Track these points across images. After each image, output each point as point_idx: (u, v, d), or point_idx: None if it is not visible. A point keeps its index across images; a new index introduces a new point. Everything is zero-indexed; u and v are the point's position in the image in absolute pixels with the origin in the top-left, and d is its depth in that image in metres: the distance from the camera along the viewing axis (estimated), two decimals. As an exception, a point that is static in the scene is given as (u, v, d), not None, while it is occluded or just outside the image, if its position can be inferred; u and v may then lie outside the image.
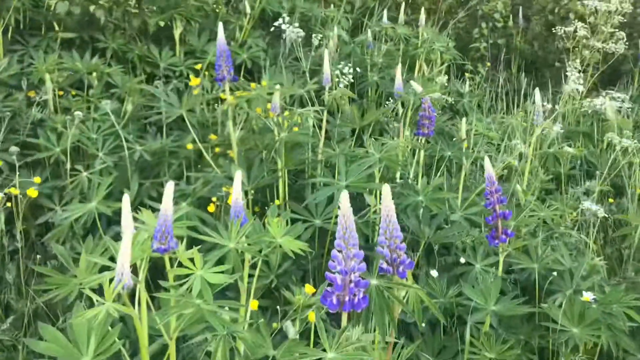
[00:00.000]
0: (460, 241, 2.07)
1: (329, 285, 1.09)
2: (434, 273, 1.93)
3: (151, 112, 2.41)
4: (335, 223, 1.99)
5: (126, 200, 1.32)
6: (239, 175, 1.36)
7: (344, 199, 1.09)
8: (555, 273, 1.99)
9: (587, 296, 1.76)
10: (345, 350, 1.07)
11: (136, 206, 2.10)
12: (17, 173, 1.99)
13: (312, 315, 1.30)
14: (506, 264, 2.01)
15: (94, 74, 2.64)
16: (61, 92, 2.60)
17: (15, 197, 2.01)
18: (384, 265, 1.15)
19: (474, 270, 2.01)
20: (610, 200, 2.71)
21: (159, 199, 2.00)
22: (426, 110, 2.24)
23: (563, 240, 2.28)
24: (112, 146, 2.21)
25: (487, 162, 1.80)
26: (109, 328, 1.19)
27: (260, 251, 1.33)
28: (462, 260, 2.00)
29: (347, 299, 1.07)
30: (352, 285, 1.07)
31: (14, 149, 1.98)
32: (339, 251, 1.07)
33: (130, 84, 2.58)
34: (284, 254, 1.43)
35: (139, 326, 1.18)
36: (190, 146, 2.15)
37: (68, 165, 2.10)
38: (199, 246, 1.28)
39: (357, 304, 1.07)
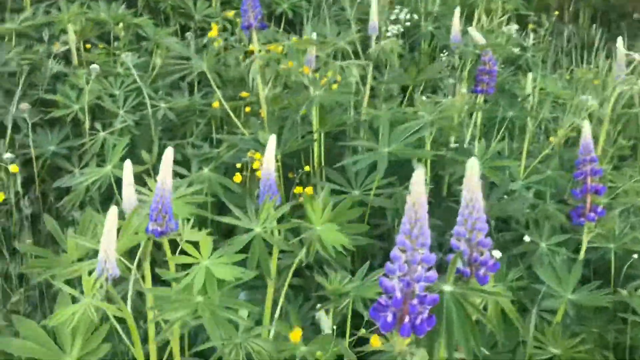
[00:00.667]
0: (522, 215, 1.80)
1: (383, 295, 0.82)
2: (496, 253, 1.67)
3: (181, 66, 2.20)
4: (377, 194, 1.76)
5: (128, 166, 1.12)
6: (272, 141, 1.12)
7: (417, 178, 0.79)
8: (635, 255, 1.69)
9: (679, 289, 1.47)
10: None
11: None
12: (32, 132, 1.84)
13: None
14: (573, 241, 1.74)
15: (121, 24, 2.44)
16: (88, 45, 2.43)
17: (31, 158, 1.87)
18: (460, 266, 0.89)
19: (538, 250, 1.74)
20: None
21: (183, 164, 1.82)
22: (487, 64, 1.94)
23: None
24: (134, 103, 2.02)
25: (586, 126, 1.52)
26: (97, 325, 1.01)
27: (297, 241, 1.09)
28: (527, 238, 1.72)
29: (407, 319, 0.80)
30: (415, 301, 0.80)
31: (25, 105, 1.82)
32: (402, 251, 0.79)
33: (158, 35, 2.37)
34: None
35: (132, 325, 0.99)
36: (216, 104, 1.93)
37: (87, 124, 1.93)
38: (208, 230, 1.07)
39: (419, 327, 0.80)
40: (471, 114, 2.06)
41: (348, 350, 1.05)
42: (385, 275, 0.82)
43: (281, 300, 1.15)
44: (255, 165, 1.50)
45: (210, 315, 0.97)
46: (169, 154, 1.00)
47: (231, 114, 1.87)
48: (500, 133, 2.03)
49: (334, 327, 1.26)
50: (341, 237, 1.13)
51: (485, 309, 1.02)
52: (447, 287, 0.87)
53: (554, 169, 2.01)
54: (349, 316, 1.29)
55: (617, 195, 1.94)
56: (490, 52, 1.96)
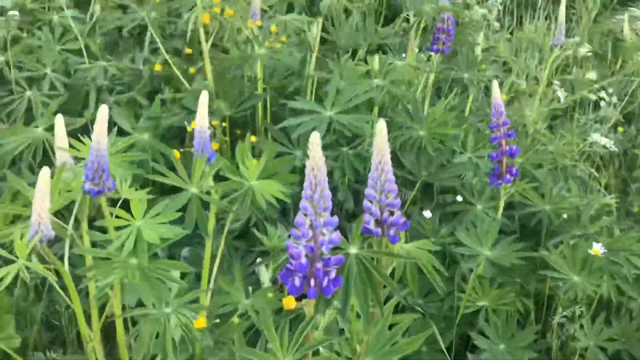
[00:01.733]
0: (461, 184, 1.84)
1: (291, 260, 0.82)
2: (427, 214, 1.72)
3: (123, 18, 2.07)
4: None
5: (60, 121, 1.07)
6: (204, 99, 1.09)
7: (314, 141, 0.81)
8: (565, 215, 1.79)
9: (597, 249, 1.57)
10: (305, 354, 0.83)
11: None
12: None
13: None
14: (506, 204, 1.81)
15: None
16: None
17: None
18: (372, 226, 0.89)
19: (473, 211, 1.80)
20: (620, 129, 2.47)
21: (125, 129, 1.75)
22: (445, 22, 1.93)
23: (569, 174, 2.07)
24: (62, 59, 1.91)
25: (495, 88, 1.54)
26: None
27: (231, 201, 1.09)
28: (459, 197, 1.78)
29: (313, 282, 0.81)
30: (319, 265, 0.82)
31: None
32: (305, 216, 0.80)
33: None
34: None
35: (70, 285, 0.97)
36: (158, 67, 1.85)
37: (13, 82, 1.82)
38: (147, 189, 1.05)
39: (326, 288, 0.82)
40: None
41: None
42: (291, 240, 0.83)
43: (218, 255, 1.15)
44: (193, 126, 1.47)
45: (141, 277, 0.95)
46: (103, 111, 0.96)
47: (176, 70, 1.80)
48: (452, 94, 2.04)
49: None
50: (275, 186, 1.13)
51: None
52: (352, 250, 0.90)
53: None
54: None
55: (548, 155, 2.02)
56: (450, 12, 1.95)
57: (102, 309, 1.15)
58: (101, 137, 0.96)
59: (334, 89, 1.66)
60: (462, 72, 2.04)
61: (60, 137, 1.05)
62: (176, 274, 1.06)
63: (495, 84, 1.54)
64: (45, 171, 0.92)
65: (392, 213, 0.90)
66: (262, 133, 1.81)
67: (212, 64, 1.74)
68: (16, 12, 1.82)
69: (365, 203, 0.90)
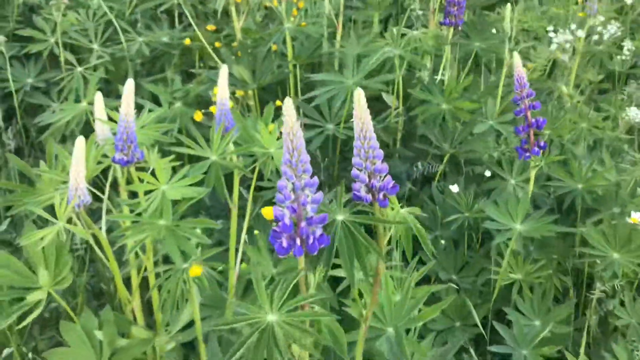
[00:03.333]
0: (488, 155, 1.83)
1: (278, 223, 0.85)
2: (453, 188, 1.72)
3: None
4: (349, 127, 1.79)
5: (99, 99, 1.14)
6: (224, 71, 1.14)
7: (287, 106, 0.83)
8: (600, 191, 1.75)
9: (636, 217, 1.53)
10: (293, 309, 0.84)
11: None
12: (10, 65, 1.84)
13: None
14: (546, 176, 1.79)
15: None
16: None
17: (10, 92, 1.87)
18: (361, 192, 0.91)
19: (507, 186, 1.79)
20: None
21: (156, 100, 1.83)
22: (455, -6, 1.90)
23: (609, 149, 2.01)
24: (107, 35, 2.00)
25: (516, 59, 1.52)
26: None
27: (248, 166, 1.15)
28: (487, 173, 1.77)
29: (298, 241, 0.84)
30: (304, 224, 0.85)
31: (1, 37, 1.81)
32: (287, 180, 0.84)
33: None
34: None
35: (107, 248, 1.05)
36: (188, 41, 1.92)
37: (62, 58, 1.92)
38: (171, 157, 1.11)
39: (311, 245, 0.85)
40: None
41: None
42: (277, 203, 0.86)
43: (245, 224, 1.21)
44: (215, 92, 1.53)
45: (167, 234, 1.01)
46: (130, 85, 1.03)
47: (208, 47, 1.86)
48: (468, 68, 2.02)
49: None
50: None
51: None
52: (339, 216, 0.92)
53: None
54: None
55: (585, 130, 1.98)
56: (459, -18, 1.91)
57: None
58: (128, 110, 1.02)
59: (353, 59, 1.68)
60: (473, 41, 2.01)
61: (99, 112, 1.12)
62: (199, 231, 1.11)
63: (516, 55, 1.52)
64: (80, 140, 0.99)
65: (380, 178, 0.91)
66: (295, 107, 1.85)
67: (242, 38, 1.79)
68: None
69: (353, 171, 0.92)
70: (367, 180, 0.91)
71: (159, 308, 1.18)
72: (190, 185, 1.04)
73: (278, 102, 1.60)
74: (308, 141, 1.71)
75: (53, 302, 1.43)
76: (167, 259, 1.27)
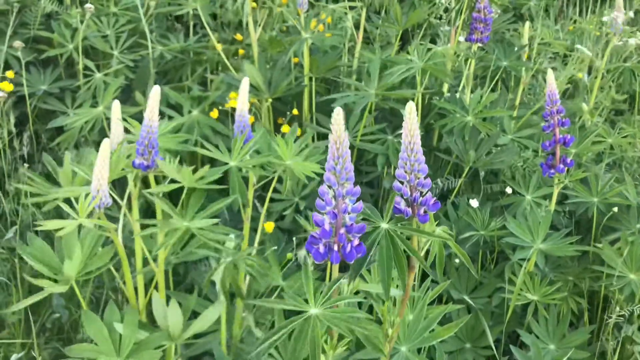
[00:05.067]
0: (509, 168, 1.82)
1: (317, 229, 0.86)
2: (473, 203, 1.70)
3: (174, 6, 2.16)
4: (362, 140, 1.78)
5: (116, 105, 1.14)
6: (245, 83, 1.14)
7: (337, 116, 0.83)
8: (616, 209, 1.72)
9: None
10: (334, 305, 0.86)
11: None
12: (25, 71, 1.84)
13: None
14: (561, 195, 1.76)
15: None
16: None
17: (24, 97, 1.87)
18: (402, 206, 0.90)
19: (523, 202, 1.76)
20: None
21: (177, 107, 1.83)
22: (481, 12, 1.91)
23: (630, 170, 1.99)
24: (129, 44, 2.01)
25: (550, 76, 1.51)
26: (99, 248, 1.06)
27: (268, 170, 1.13)
28: (508, 190, 1.75)
29: (336, 247, 0.84)
30: (342, 231, 0.85)
31: (18, 43, 1.81)
32: (329, 187, 0.84)
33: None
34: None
35: (120, 247, 1.03)
36: (220, 46, 1.91)
37: (80, 65, 1.93)
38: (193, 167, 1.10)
39: (349, 254, 0.85)
40: (467, 62, 2.04)
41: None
42: (316, 210, 0.87)
43: (257, 237, 1.20)
44: (232, 104, 1.52)
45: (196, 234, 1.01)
46: (155, 91, 1.02)
47: (223, 56, 1.86)
48: (493, 83, 2.02)
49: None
50: (310, 165, 1.17)
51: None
52: (384, 225, 0.92)
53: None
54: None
55: (607, 150, 1.96)
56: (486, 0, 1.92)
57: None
58: (153, 116, 1.02)
59: (376, 70, 1.67)
60: (500, 60, 2.01)
61: (116, 119, 1.12)
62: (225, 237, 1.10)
63: (550, 72, 1.51)
64: (106, 142, 0.98)
65: (421, 193, 0.91)
66: (308, 118, 1.84)
67: (261, 49, 1.78)
68: (91, 5, 1.92)
69: (396, 184, 0.92)
70: (409, 194, 0.89)
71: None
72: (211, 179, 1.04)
73: (295, 111, 1.59)
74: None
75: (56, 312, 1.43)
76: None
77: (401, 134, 1.87)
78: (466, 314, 1.54)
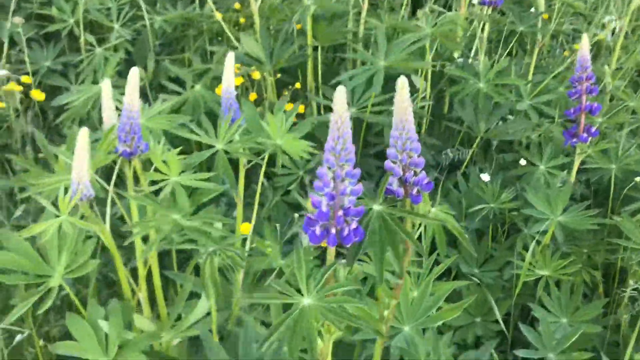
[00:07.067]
0: (524, 138, 1.74)
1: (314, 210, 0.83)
2: (484, 177, 1.64)
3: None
4: (373, 112, 1.72)
5: (107, 86, 1.10)
6: (230, 61, 1.10)
7: (339, 94, 0.79)
8: (638, 178, 1.65)
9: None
10: (328, 295, 0.83)
11: (154, 87, 1.90)
12: (28, 47, 1.82)
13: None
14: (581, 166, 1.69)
15: None
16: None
17: (28, 74, 1.86)
18: (394, 187, 0.87)
19: (537, 172, 1.70)
20: None
21: (178, 81, 1.79)
22: (494, -28, 1.81)
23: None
24: (130, 16, 1.96)
25: (584, 40, 1.42)
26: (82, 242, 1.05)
27: (258, 154, 1.10)
28: (522, 162, 1.68)
29: (333, 230, 0.82)
30: (340, 213, 0.82)
31: (19, 19, 1.79)
32: (328, 168, 0.81)
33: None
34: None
35: (111, 243, 1.02)
36: (220, 15, 1.84)
37: (82, 39, 1.89)
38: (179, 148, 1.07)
39: (346, 237, 0.82)
40: (483, 28, 1.95)
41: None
42: (313, 191, 0.84)
43: (254, 215, 1.17)
44: (238, 82, 1.48)
45: (188, 226, 0.99)
46: (134, 73, 0.98)
47: (224, 26, 1.80)
48: (509, 48, 1.93)
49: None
50: (302, 144, 1.13)
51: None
52: (376, 206, 0.88)
53: (568, 87, 1.92)
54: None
55: (629, 114, 1.86)
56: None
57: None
58: (133, 99, 0.98)
59: (384, 39, 1.60)
60: (516, 24, 1.91)
61: (107, 98, 1.08)
62: (219, 225, 1.08)
63: (584, 36, 1.42)
64: (83, 131, 0.95)
65: (415, 173, 0.87)
66: (313, 89, 1.79)
67: (260, 18, 1.72)
68: None
69: (387, 163, 0.87)
70: (401, 173, 0.86)
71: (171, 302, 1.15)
72: (200, 177, 1.00)
73: (297, 85, 1.53)
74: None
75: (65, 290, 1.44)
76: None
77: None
78: (476, 288, 1.51)
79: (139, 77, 0.97)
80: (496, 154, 1.80)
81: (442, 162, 1.79)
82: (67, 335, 1.07)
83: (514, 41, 1.91)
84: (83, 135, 0.94)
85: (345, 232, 0.82)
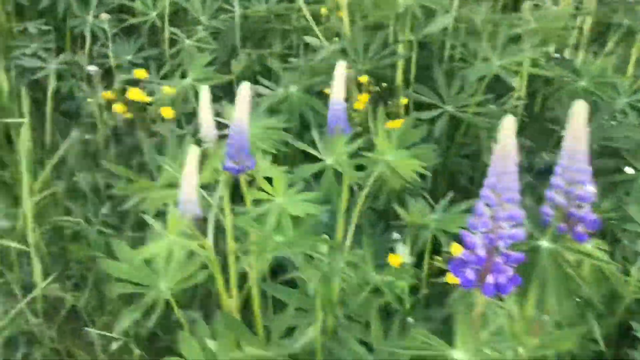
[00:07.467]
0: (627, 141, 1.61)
1: (465, 251, 0.75)
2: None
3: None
4: (475, 113, 1.63)
5: (205, 92, 1.05)
6: (341, 67, 1.03)
7: (507, 124, 0.69)
8: None
9: None
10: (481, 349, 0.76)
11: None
12: (111, 42, 1.81)
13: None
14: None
15: None
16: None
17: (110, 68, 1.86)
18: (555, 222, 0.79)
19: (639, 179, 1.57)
20: None
21: (267, 75, 1.74)
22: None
23: None
24: (214, 8, 1.93)
25: None
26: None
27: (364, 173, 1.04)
28: (628, 169, 1.56)
29: (491, 279, 0.74)
30: (499, 259, 0.74)
31: (105, 15, 1.78)
32: (487, 205, 0.72)
33: None
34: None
35: (214, 261, 0.99)
36: (305, 8, 1.77)
37: (167, 33, 1.87)
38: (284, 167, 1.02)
39: (504, 287, 0.74)
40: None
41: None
42: (465, 228, 0.76)
43: (352, 227, 1.11)
44: (364, 99, 1.42)
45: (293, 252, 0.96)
46: (244, 90, 0.93)
47: (311, 20, 1.74)
48: (613, 43, 1.79)
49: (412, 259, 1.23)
50: (414, 164, 1.07)
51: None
52: (545, 243, 0.79)
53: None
54: (428, 249, 1.25)
55: None
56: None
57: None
58: (243, 115, 0.94)
59: (506, 37, 1.52)
60: (622, 17, 1.77)
61: (205, 111, 1.04)
62: (324, 249, 1.04)
63: None
64: (193, 150, 0.91)
65: (580, 207, 0.79)
66: (402, 88, 1.71)
67: (350, 11, 1.65)
68: None
69: (549, 193, 0.79)
70: (566, 206, 0.78)
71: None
72: (310, 197, 0.96)
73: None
74: (430, 122, 1.57)
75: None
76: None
77: (503, 102, 1.72)
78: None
79: (249, 93, 0.93)
80: (594, 158, 1.68)
81: (536, 164, 1.69)
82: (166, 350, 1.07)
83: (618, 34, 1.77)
84: (192, 155, 0.90)
85: (503, 280, 0.75)
